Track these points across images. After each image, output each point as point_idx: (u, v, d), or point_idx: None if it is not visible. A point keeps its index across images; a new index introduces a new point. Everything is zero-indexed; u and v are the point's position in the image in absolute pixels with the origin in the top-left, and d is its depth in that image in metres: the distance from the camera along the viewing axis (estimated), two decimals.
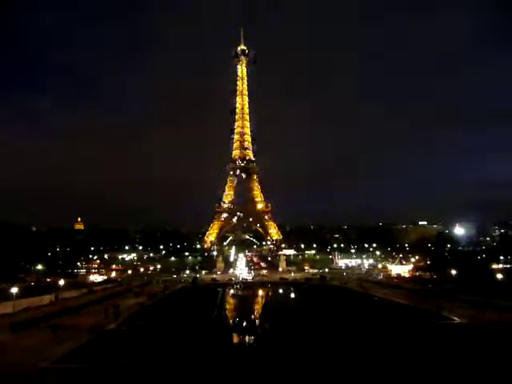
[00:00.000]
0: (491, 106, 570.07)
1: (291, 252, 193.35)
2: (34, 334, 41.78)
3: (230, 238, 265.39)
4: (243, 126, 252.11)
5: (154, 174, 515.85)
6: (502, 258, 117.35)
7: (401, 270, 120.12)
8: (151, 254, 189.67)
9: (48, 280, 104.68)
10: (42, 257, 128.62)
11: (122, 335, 42.98)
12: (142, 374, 28.70)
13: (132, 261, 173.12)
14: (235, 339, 46.79)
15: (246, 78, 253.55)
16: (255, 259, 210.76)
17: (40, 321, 47.92)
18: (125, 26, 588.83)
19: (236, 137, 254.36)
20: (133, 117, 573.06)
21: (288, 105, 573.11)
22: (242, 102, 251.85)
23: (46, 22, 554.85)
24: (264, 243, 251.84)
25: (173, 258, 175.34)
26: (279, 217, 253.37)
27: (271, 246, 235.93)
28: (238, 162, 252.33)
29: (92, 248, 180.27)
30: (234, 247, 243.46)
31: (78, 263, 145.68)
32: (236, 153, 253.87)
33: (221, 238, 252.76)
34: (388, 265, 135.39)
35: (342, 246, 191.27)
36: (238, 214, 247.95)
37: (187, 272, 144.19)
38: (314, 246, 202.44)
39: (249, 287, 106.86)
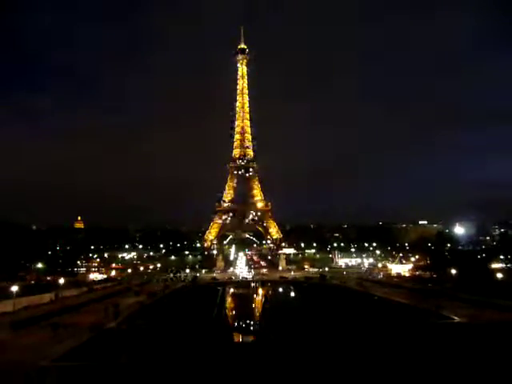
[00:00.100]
0: (491, 106, 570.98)
1: (291, 251, 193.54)
2: (34, 332, 41.78)
3: (230, 236, 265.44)
4: (243, 124, 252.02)
5: (154, 173, 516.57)
6: (502, 257, 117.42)
7: (401, 269, 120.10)
8: (151, 253, 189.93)
9: (48, 278, 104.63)
10: (42, 255, 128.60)
11: (121, 334, 42.99)
12: (142, 373, 28.73)
13: (132, 260, 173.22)
14: (235, 338, 46.86)
15: (246, 77, 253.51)
16: (255, 258, 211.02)
17: (40, 319, 47.90)
18: (125, 25, 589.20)
19: (236, 136, 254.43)
20: (133, 117, 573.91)
21: (288, 105, 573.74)
22: (243, 101, 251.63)
23: (46, 22, 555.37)
24: (264, 242, 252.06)
25: (173, 257, 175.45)
26: (279, 216, 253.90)
27: (271, 245, 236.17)
28: (238, 161, 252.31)
29: (92, 247, 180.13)
30: (233, 246, 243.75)
31: (78, 262, 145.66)
32: (236, 152, 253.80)
33: (221, 236, 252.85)
34: (388, 264, 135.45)
35: (342, 245, 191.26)
36: (232, 213, 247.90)
37: (187, 271, 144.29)
38: (314, 244, 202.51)
39: (249, 286, 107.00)
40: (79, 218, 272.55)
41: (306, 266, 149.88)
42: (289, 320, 53.01)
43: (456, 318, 47.56)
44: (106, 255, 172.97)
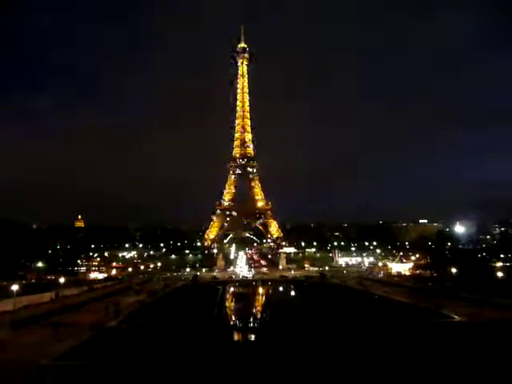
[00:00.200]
0: (491, 106, 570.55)
1: (291, 250, 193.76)
2: (34, 331, 41.83)
3: (231, 235, 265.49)
4: (244, 123, 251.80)
5: (154, 173, 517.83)
6: (502, 256, 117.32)
7: (401, 268, 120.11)
8: (151, 252, 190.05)
9: (48, 277, 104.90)
10: (42, 254, 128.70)
11: (122, 333, 43.01)
12: (143, 372, 28.75)
13: (132, 258, 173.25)
14: (235, 336, 46.89)
15: (246, 76, 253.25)
16: (255, 257, 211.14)
17: (40, 318, 47.98)
18: (125, 25, 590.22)
19: (236, 135, 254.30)
20: (133, 117, 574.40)
21: (288, 105, 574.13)
22: (243, 100, 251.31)
23: (46, 22, 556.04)
24: (264, 241, 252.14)
25: (173, 256, 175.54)
26: (279, 215, 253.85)
27: (271, 244, 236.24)
28: (239, 160, 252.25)
29: (92, 246, 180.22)
30: (234, 245, 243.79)
31: (79, 261, 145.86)
32: (236, 151, 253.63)
33: (221, 235, 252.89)
34: (388, 263, 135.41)
35: (343, 244, 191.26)
36: (233, 212, 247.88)
37: (187, 270, 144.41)
38: (315, 244, 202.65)
39: (249, 285, 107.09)
40: (79, 217, 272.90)
41: (306, 265, 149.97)
42: (289, 319, 53.06)
43: (456, 316, 47.59)
44: (106, 254, 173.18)
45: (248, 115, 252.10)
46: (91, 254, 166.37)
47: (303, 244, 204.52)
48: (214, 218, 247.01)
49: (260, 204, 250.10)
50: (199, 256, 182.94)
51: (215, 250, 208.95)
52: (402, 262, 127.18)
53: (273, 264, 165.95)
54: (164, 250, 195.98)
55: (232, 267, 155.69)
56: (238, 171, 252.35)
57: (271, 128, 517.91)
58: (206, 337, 39.60)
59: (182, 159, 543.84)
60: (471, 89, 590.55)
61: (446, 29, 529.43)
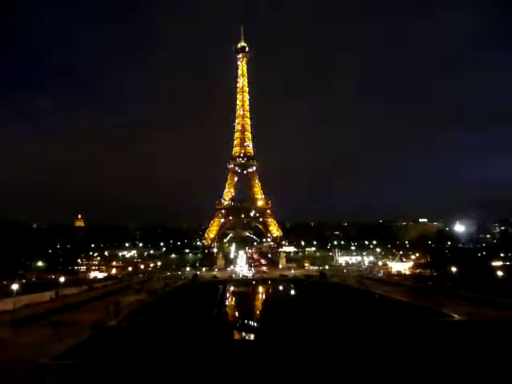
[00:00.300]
0: (491, 106, 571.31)
1: (291, 249, 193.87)
2: (34, 330, 41.84)
3: (231, 235, 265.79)
4: (244, 122, 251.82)
5: (154, 173, 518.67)
6: (502, 255, 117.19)
7: (401, 267, 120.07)
8: (151, 251, 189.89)
9: (48, 277, 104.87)
10: (42, 254, 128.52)
11: (122, 332, 43.00)
12: (143, 371, 28.75)
13: (132, 258, 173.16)
14: (235, 336, 46.93)
15: (246, 75, 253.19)
16: (255, 256, 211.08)
17: (40, 317, 47.99)
18: (125, 25, 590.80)
19: (236, 134, 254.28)
20: (133, 117, 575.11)
21: (288, 105, 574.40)
22: (243, 99, 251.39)
23: (46, 22, 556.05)
24: (264, 240, 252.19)
25: (173, 255, 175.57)
26: (279, 214, 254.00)
27: (271, 243, 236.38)
28: (239, 160, 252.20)
29: (92, 245, 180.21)
30: (234, 244, 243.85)
31: (79, 260, 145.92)
32: (236, 150, 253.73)
33: (221, 235, 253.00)
34: (388, 262, 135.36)
35: (343, 243, 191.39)
36: (233, 211, 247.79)
37: (188, 269, 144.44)
38: (315, 243, 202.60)
39: (249, 284, 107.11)
40: (79, 216, 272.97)
41: (306, 264, 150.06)
42: (289, 318, 53.13)
43: (456, 315, 47.58)
44: (106, 253, 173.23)
45: (248, 115, 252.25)
46: (91, 253, 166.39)
47: (303, 243, 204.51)
48: (214, 218, 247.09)
49: (260, 203, 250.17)
50: (199, 255, 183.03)
51: (215, 250, 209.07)
52: (402, 261, 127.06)
53: (273, 263, 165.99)
54: (164, 249, 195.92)
55: (232, 266, 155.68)
56: (238, 170, 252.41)
57: (271, 128, 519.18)
58: (206, 336, 39.61)
59: (181, 159, 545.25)
60: (471, 89, 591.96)
61: (446, 29, 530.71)
